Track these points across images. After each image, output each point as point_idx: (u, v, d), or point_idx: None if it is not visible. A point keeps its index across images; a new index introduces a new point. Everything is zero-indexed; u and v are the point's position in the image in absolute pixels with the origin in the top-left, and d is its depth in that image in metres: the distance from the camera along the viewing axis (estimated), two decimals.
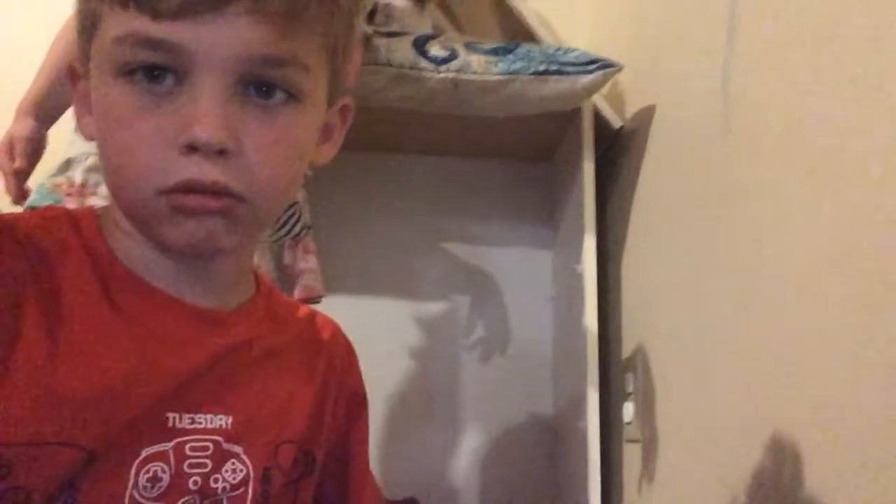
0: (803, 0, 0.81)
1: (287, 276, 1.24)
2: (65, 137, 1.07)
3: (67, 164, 0.98)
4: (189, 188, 0.45)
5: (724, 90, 0.98)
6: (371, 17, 1.44)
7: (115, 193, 0.49)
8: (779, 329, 0.82)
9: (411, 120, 1.38)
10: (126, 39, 0.45)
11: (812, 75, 0.78)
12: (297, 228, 1.11)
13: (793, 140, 0.82)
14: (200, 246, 0.48)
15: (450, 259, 1.64)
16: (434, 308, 1.61)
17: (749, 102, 0.92)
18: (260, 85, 0.47)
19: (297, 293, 1.22)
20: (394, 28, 1.39)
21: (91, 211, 0.53)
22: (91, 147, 0.96)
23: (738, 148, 0.94)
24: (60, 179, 0.96)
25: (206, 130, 0.44)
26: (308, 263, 1.22)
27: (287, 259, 1.25)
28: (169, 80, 0.45)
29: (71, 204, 0.92)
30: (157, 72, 0.45)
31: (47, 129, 1.12)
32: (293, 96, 0.48)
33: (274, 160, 0.47)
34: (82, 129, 0.52)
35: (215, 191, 0.46)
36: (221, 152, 0.45)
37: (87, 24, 0.48)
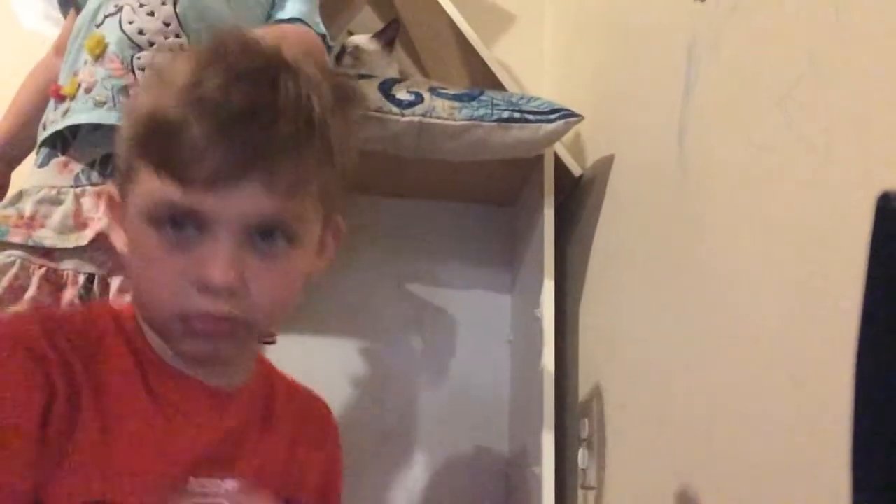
0: (757, 62, 0.85)
1: None
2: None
3: (19, 196, 0.96)
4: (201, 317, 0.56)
5: (680, 143, 1.01)
6: (339, 59, 1.46)
7: (141, 310, 0.60)
8: (736, 378, 0.83)
9: (374, 161, 1.39)
10: (158, 203, 0.54)
11: (764, 133, 0.81)
12: None
13: (746, 193, 0.84)
14: (208, 358, 0.59)
15: (408, 300, 1.63)
16: (391, 349, 1.60)
17: (704, 156, 0.95)
18: (264, 233, 0.56)
19: None
20: (361, 71, 1.40)
21: (129, 309, 0.62)
22: (44, 180, 0.97)
23: (693, 199, 0.97)
24: (10, 211, 0.94)
25: (219, 276, 0.53)
26: None
27: None
28: (190, 230, 0.54)
29: (17, 236, 0.92)
30: (181, 222, 0.54)
31: (11, 171, 1.14)
32: (291, 241, 0.57)
33: (274, 295, 0.57)
34: (114, 241, 0.62)
35: (223, 318, 0.55)
36: (230, 292, 0.54)
37: (127, 170, 0.57)
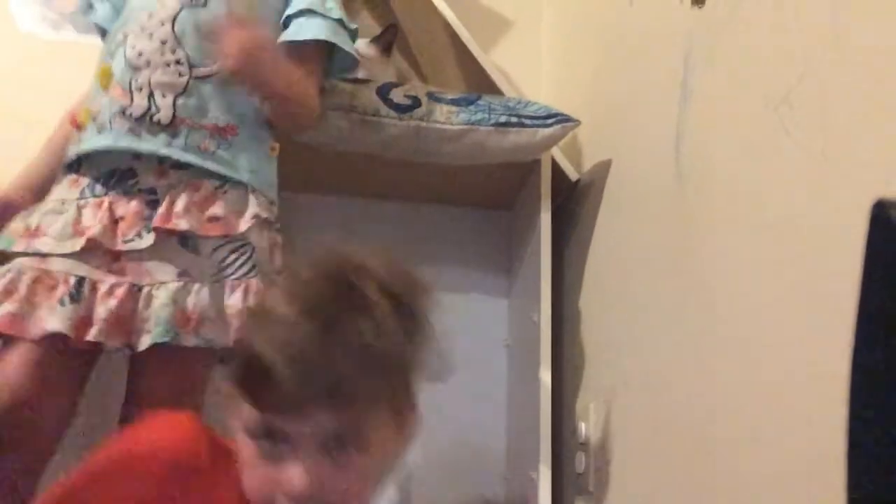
0: (754, 67, 0.85)
1: (226, 318, 1.17)
2: None
3: (31, 211, 1.02)
4: None
5: (677, 148, 1.01)
6: None
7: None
8: (733, 381, 0.83)
9: (372, 165, 1.39)
10: (250, 423, 0.68)
11: (761, 138, 0.81)
12: (243, 269, 1.08)
13: (743, 198, 0.85)
14: None
15: None
16: None
17: (701, 161, 0.96)
18: (338, 445, 0.67)
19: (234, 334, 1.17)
20: (359, 75, 1.41)
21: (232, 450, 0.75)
22: (56, 195, 1.03)
23: (690, 204, 0.97)
24: (19, 224, 1.00)
25: (300, 489, 0.66)
26: (248, 304, 1.20)
27: (229, 300, 1.18)
28: (279, 443, 0.67)
29: (20, 245, 0.98)
30: (270, 439, 0.67)
31: (29, 204, 1.14)
32: (362, 448, 0.68)
33: (349, 494, 0.69)
34: (235, 435, 0.72)
35: None
36: (310, 498, 0.66)
37: (236, 392, 0.69)
